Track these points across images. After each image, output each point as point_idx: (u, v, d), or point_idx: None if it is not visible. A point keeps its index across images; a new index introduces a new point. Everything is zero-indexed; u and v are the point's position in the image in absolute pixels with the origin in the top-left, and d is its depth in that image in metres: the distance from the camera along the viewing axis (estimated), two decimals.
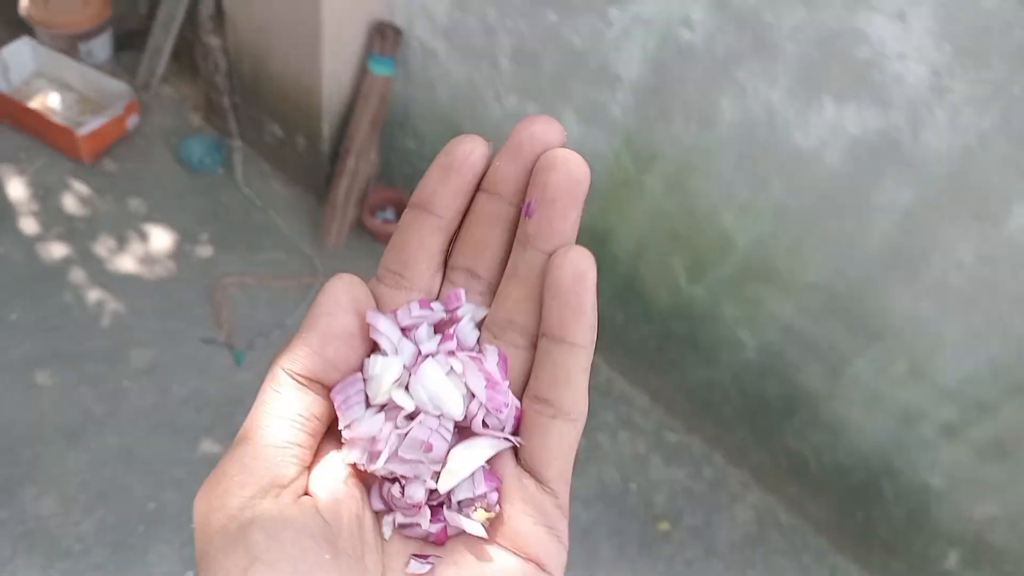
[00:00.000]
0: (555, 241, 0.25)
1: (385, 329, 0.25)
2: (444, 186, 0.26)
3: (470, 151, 0.26)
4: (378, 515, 0.26)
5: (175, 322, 1.67)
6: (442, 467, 0.25)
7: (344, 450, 0.25)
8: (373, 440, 0.25)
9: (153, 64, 1.94)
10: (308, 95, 1.66)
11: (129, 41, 2.08)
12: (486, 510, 0.25)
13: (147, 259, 1.75)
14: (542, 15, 1.37)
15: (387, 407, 0.25)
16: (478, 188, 0.27)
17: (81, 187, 1.85)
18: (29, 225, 1.77)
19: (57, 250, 1.73)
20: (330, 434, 0.26)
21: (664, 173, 1.36)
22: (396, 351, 0.26)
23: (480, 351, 0.26)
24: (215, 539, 0.22)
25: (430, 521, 0.25)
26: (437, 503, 0.25)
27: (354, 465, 0.25)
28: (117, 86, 1.88)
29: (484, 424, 0.25)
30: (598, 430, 1.61)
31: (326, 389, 0.25)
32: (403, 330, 0.26)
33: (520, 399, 0.26)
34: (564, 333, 0.24)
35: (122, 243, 1.77)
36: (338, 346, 0.25)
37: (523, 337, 0.26)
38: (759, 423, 1.47)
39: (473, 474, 0.25)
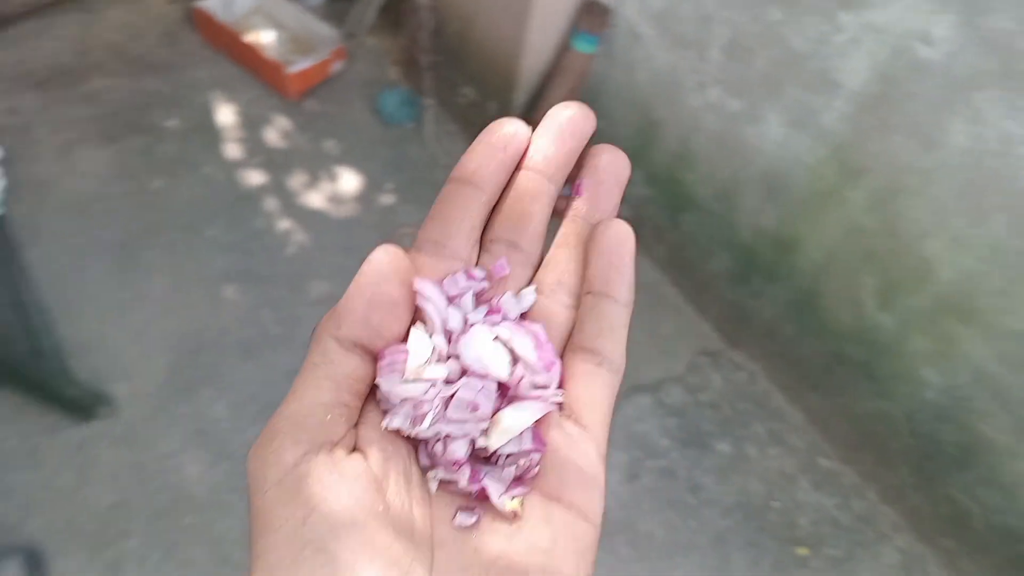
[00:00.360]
0: (600, 215, 0.29)
1: (432, 296, 0.27)
2: (489, 161, 0.28)
3: (515, 132, 0.28)
4: (425, 471, 0.27)
5: (352, 261, 1.74)
6: (488, 425, 0.26)
7: (386, 418, 0.26)
8: (416, 404, 0.26)
9: (362, 15, 2.03)
10: (507, 63, 1.69)
11: None
12: (523, 491, 0.26)
13: (334, 198, 1.84)
14: (765, 11, 1.33)
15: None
16: (518, 165, 0.29)
17: (283, 122, 1.96)
18: (233, 151, 1.90)
19: (255, 178, 1.85)
20: (372, 396, 0.27)
21: (871, 188, 1.30)
22: (443, 318, 0.27)
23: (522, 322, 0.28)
24: (271, 492, 0.24)
25: (469, 481, 0.26)
26: (478, 460, 0.27)
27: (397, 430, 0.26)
28: (327, 31, 1.98)
29: (532, 387, 0.27)
30: (747, 441, 1.58)
31: (369, 354, 0.26)
32: (449, 299, 0.27)
33: (562, 355, 0.28)
34: (608, 289, 0.27)
35: (314, 180, 1.86)
36: (383, 315, 0.26)
37: (570, 297, 0.28)
38: (926, 467, 1.39)
39: (521, 432, 0.26)
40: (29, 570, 1.27)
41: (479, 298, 0.28)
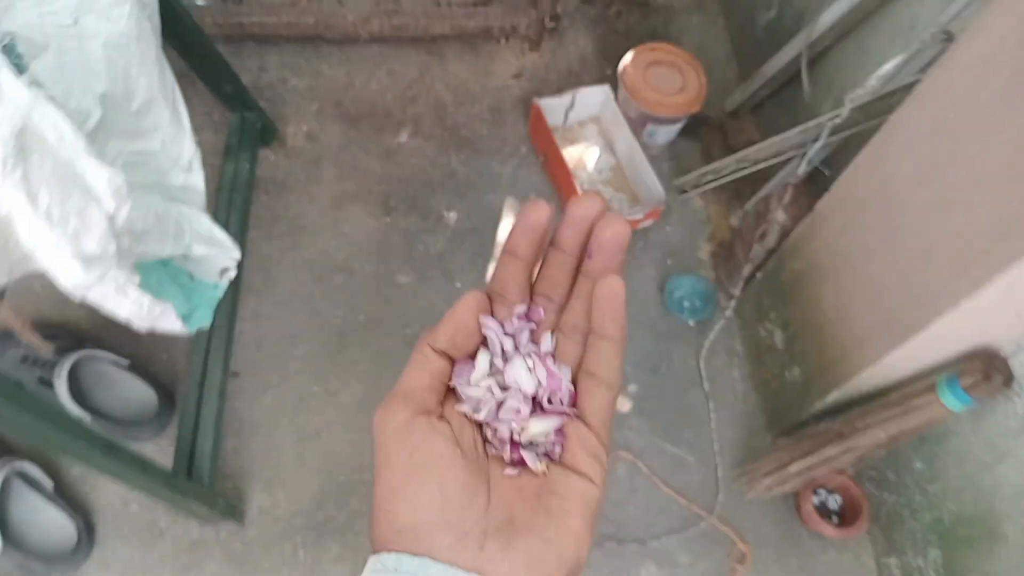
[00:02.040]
0: (605, 273, 0.38)
1: (492, 327, 0.38)
2: (525, 239, 0.39)
3: (538, 217, 0.38)
4: (485, 443, 0.38)
5: None
6: (525, 423, 0.38)
7: (458, 404, 0.38)
8: (477, 401, 0.38)
9: (703, 179, 1.70)
10: (842, 356, 1.30)
11: (696, 128, 1.87)
12: (547, 459, 0.38)
13: None
14: None
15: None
16: (551, 243, 0.40)
17: None
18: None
19: None
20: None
21: None
22: (500, 343, 0.38)
23: (552, 356, 0.39)
24: (390, 437, 0.35)
25: (511, 453, 0.38)
26: (517, 442, 0.38)
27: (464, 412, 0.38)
28: (655, 185, 1.68)
29: (549, 401, 0.38)
30: None
31: (451, 360, 0.38)
32: (507, 333, 0.39)
33: (577, 374, 0.39)
34: (604, 331, 0.37)
35: None
36: (464, 336, 0.38)
37: (581, 336, 0.39)
38: None
39: (549, 432, 0.38)
40: None
41: (531, 335, 0.40)
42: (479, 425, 0.39)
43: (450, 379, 0.38)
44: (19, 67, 0.93)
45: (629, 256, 1.73)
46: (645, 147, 1.77)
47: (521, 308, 0.39)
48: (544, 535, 0.34)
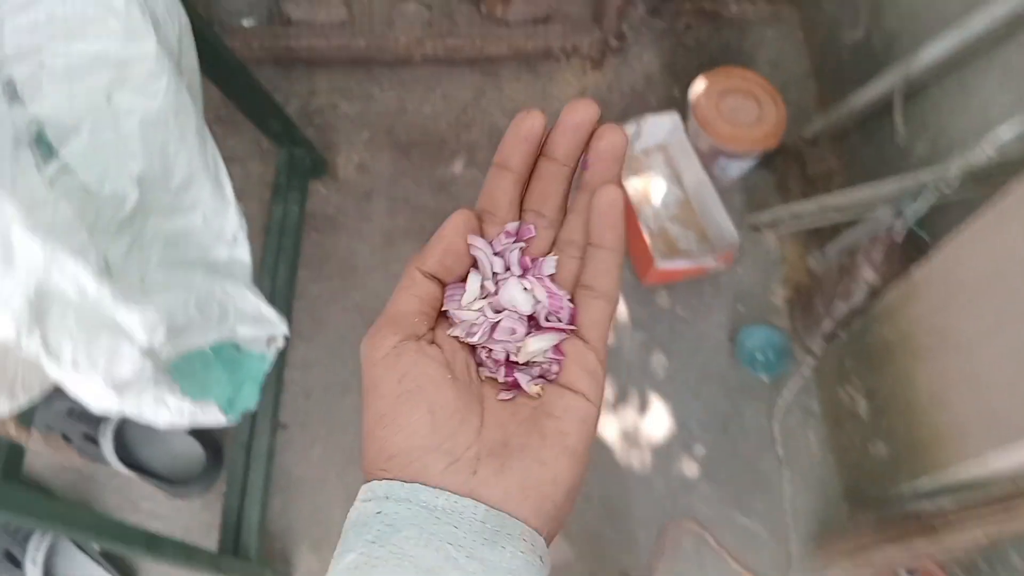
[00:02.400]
0: (602, 184, 0.36)
1: (481, 247, 0.37)
2: (516, 150, 0.36)
3: (532, 126, 0.36)
4: (479, 366, 0.37)
5: (613, 531, 1.40)
6: (521, 344, 0.36)
7: (450, 328, 0.37)
8: (470, 325, 0.37)
9: (781, 220, 1.58)
10: (936, 443, 1.18)
11: (771, 157, 1.74)
12: (543, 381, 0.36)
13: (627, 435, 1.48)
14: None
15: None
16: (540, 154, 0.37)
17: (619, 307, 1.61)
18: None
19: None
20: (445, 312, 0.38)
21: None
22: (490, 263, 0.37)
23: (551, 277, 0.37)
24: (378, 364, 0.34)
25: (504, 375, 0.37)
26: (512, 363, 0.37)
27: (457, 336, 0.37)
28: (727, 229, 1.56)
29: (547, 319, 0.37)
30: None
31: (441, 283, 0.37)
32: (496, 253, 0.37)
33: (575, 289, 0.37)
34: (602, 241, 0.36)
35: (619, 396, 1.51)
36: (454, 258, 0.36)
37: (578, 251, 0.37)
38: None
39: (547, 349, 0.36)
40: None
41: (523, 255, 0.38)
42: (472, 349, 0.38)
43: (442, 303, 0.37)
44: (48, 154, 0.87)
45: (697, 300, 1.62)
46: (715, 179, 1.65)
47: (511, 226, 0.37)
48: (539, 457, 0.33)
